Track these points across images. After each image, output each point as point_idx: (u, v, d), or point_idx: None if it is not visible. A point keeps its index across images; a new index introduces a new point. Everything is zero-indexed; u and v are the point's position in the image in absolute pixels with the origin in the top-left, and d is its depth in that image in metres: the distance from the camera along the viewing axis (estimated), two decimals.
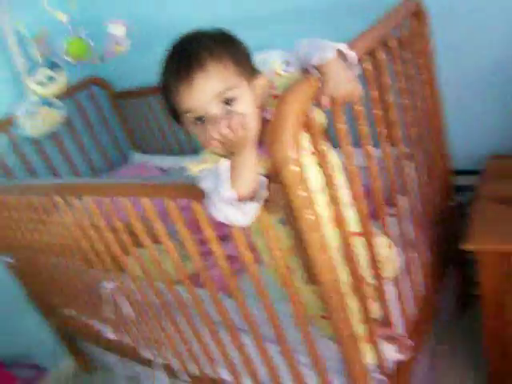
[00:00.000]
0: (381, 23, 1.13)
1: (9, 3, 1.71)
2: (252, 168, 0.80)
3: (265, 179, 0.81)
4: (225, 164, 0.80)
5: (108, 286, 1.49)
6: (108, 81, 2.26)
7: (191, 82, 0.82)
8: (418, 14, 1.31)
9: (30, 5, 1.62)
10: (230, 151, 0.80)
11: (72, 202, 1.27)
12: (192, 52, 0.83)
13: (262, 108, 0.93)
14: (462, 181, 1.62)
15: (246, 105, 0.85)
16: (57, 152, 2.16)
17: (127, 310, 1.50)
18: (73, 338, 2.19)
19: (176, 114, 0.90)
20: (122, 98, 2.27)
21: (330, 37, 0.90)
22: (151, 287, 1.31)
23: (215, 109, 0.83)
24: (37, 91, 1.77)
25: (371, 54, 1.06)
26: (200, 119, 0.85)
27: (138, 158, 2.32)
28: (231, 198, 0.78)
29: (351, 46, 0.91)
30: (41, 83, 1.75)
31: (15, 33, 1.72)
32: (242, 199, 0.79)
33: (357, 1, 1.49)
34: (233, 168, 0.79)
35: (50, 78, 1.74)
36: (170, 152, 2.24)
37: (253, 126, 0.84)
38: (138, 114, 2.25)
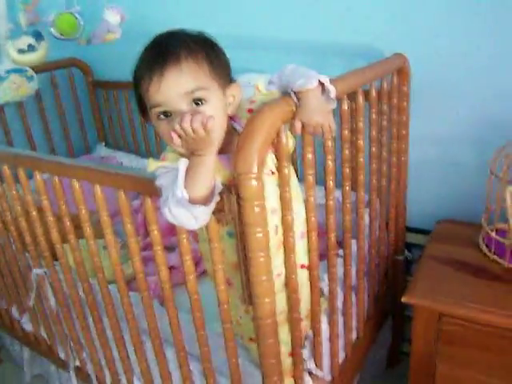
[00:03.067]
0: (366, 71, 1.18)
1: None
2: (209, 172, 0.78)
3: (220, 186, 0.80)
4: (183, 163, 0.78)
5: (37, 271, 1.41)
6: (90, 66, 2.21)
7: (164, 76, 0.82)
8: (402, 71, 1.36)
9: None
10: (190, 151, 0.79)
11: (20, 176, 1.21)
12: (169, 46, 0.84)
13: (234, 118, 0.93)
14: (413, 238, 1.66)
15: (215, 108, 0.85)
16: (18, 124, 2.06)
17: (50, 301, 1.43)
18: None
19: (144, 108, 0.88)
20: (99, 87, 2.21)
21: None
22: (82, 281, 1.25)
23: (183, 105, 0.83)
24: (13, 57, 1.71)
25: (351, 96, 1.09)
26: (166, 114, 0.84)
27: (102, 150, 2.26)
28: (183, 198, 0.76)
29: (334, 82, 0.92)
30: (20, 50, 1.69)
31: None
32: (193, 201, 0.77)
33: (349, 46, 1.54)
34: (190, 168, 0.78)
35: (31, 47, 1.69)
36: (137, 152, 2.20)
37: (217, 130, 0.83)
38: (113, 106, 2.20)
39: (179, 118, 0.77)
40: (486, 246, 1.34)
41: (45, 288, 1.42)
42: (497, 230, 1.30)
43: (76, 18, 1.64)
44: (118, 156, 2.19)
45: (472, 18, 1.35)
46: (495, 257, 1.30)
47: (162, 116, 0.85)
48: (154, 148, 2.13)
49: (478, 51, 1.37)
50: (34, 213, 1.27)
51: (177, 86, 0.82)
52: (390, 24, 1.46)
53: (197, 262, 1.44)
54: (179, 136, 0.77)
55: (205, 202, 0.78)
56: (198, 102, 0.83)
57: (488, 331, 1.15)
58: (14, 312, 1.66)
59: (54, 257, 1.31)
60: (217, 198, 0.79)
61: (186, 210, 0.77)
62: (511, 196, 1.19)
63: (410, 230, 1.64)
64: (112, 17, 1.62)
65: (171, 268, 1.42)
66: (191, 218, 0.78)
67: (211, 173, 0.79)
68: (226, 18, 1.77)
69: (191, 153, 0.79)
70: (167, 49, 0.83)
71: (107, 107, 2.23)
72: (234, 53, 1.57)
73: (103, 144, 2.30)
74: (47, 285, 1.41)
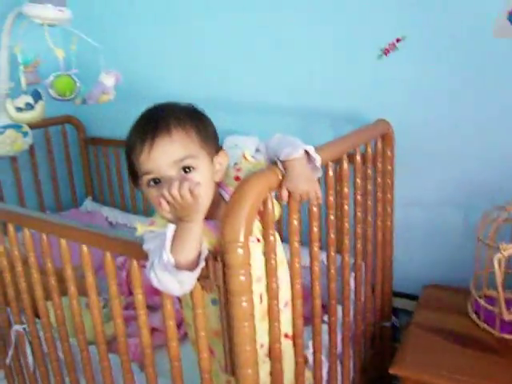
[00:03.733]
0: (351, 137, 1.22)
1: (13, 26, 1.74)
2: (196, 238, 0.79)
3: (206, 251, 0.80)
4: (171, 228, 0.79)
5: (17, 328, 1.37)
6: (83, 124, 2.27)
7: (154, 145, 0.85)
8: (386, 137, 1.42)
9: (33, 34, 1.66)
10: (177, 217, 0.80)
11: (10, 231, 1.21)
12: (160, 117, 0.88)
13: (221, 185, 0.96)
14: (399, 304, 1.65)
15: (203, 176, 0.87)
16: (9, 178, 2.08)
17: (28, 359, 1.38)
18: None
19: (134, 174, 0.91)
20: (91, 144, 2.27)
21: (303, 137, 0.96)
22: (63, 341, 1.22)
23: (172, 173, 0.85)
24: (11, 114, 1.76)
25: (336, 162, 1.12)
26: (156, 181, 0.86)
27: (88, 204, 2.28)
28: (169, 262, 0.77)
29: (319, 150, 0.96)
30: (18, 108, 1.74)
31: (11, 56, 1.73)
32: (179, 266, 0.77)
33: (336, 111, 1.60)
34: (177, 234, 0.79)
35: (29, 106, 1.74)
36: (123, 208, 2.22)
37: (205, 197, 0.85)
38: (102, 162, 2.24)
39: (168, 184, 0.80)
40: (475, 313, 1.33)
41: (23, 345, 1.38)
42: (486, 297, 1.29)
43: (74, 80, 1.70)
44: (103, 211, 2.21)
45: (457, 84, 1.41)
46: (485, 325, 1.28)
47: (151, 183, 0.87)
48: (140, 204, 2.16)
49: (463, 118, 1.42)
50: (20, 268, 1.25)
51: (167, 154, 0.85)
52: (375, 90, 1.53)
53: (179, 324, 1.41)
54: (168, 202, 0.79)
55: (190, 267, 0.78)
56: (186, 169, 0.86)
57: None
58: None
59: (36, 313, 1.28)
60: (202, 264, 0.79)
61: (171, 275, 0.77)
62: (499, 263, 1.18)
63: (396, 294, 1.63)
64: (108, 79, 1.69)
65: (153, 329, 1.39)
66: (176, 283, 0.78)
67: (198, 239, 0.80)
68: (214, 82, 1.84)
69: (179, 219, 0.81)
70: (158, 119, 0.87)
71: (97, 163, 2.28)
72: (222, 115, 1.65)
73: (90, 198, 2.32)
74: (26, 342, 1.38)
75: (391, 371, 1.19)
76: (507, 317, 1.21)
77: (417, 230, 1.60)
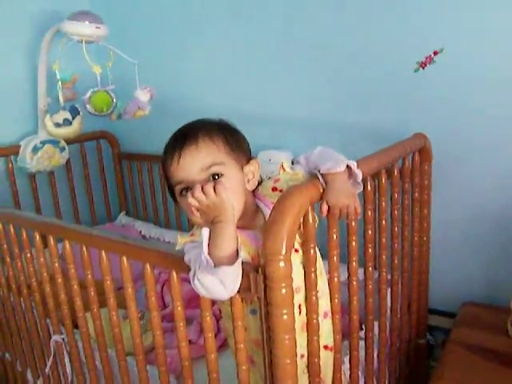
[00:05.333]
0: (389, 151, 1.21)
1: (51, 43, 1.81)
2: (230, 237, 0.80)
3: (243, 254, 0.82)
4: (206, 231, 0.81)
5: (56, 338, 1.40)
6: (118, 139, 2.32)
7: (182, 154, 0.89)
8: (424, 151, 1.39)
9: (71, 51, 1.72)
10: (209, 220, 0.83)
11: (50, 243, 1.24)
12: (189, 131, 0.92)
13: (258, 196, 0.97)
14: (435, 321, 1.61)
15: (232, 181, 0.89)
16: (46, 192, 2.15)
17: (67, 368, 1.41)
18: None
19: (172, 190, 0.93)
20: (125, 159, 2.32)
21: (340, 151, 0.96)
22: (101, 351, 1.24)
23: (200, 179, 0.88)
24: (50, 130, 1.82)
25: (374, 176, 1.12)
26: (187, 190, 0.88)
27: (123, 219, 2.33)
28: (208, 263, 0.78)
29: (359, 165, 0.96)
30: (57, 124, 1.80)
31: (49, 72, 1.79)
32: (218, 265, 0.78)
33: (373, 125, 1.60)
34: (212, 236, 0.81)
35: (67, 121, 1.80)
36: (156, 222, 2.26)
37: (235, 202, 0.87)
38: (136, 177, 2.28)
39: (193, 189, 0.83)
40: None
41: (62, 355, 1.41)
42: None
43: (110, 96, 1.74)
44: (137, 225, 2.25)
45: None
46: None
47: (183, 192, 0.89)
48: (173, 219, 2.18)
49: (500, 132, 1.40)
50: (60, 280, 1.28)
51: (193, 161, 0.88)
52: (413, 104, 1.52)
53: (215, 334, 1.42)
54: (197, 209, 0.83)
55: (229, 263, 0.79)
56: (215, 176, 0.89)
57: None
58: (29, 376, 1.64)
59: (74, 324, 1.31)
60: (240, 260, 0.79)
61: (213, 275, 0.78)
62: None
63: (431, 311, 1.60)
64: (143, 95, 1.73)
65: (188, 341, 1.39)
66: (218, 283, 0.78)
67: (232, 238, 0.81)
68: (250, 97, 1.86)
69: (211, 222, 0.83)
70: (187, 132, 0.92)
71: (131, 178, 2.32)
72: (257, 130, 1.67)
73: (124, 213, 2.37)
74: (65, 352, 1.40)
75: None
76: None
77: (454, 245, 1.56)
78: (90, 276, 1.17)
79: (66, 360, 1.40)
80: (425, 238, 1.48)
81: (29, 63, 2.01)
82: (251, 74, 1.84)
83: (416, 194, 1.40)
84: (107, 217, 2.35)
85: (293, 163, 1.02)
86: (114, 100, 1.75)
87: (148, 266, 1.01)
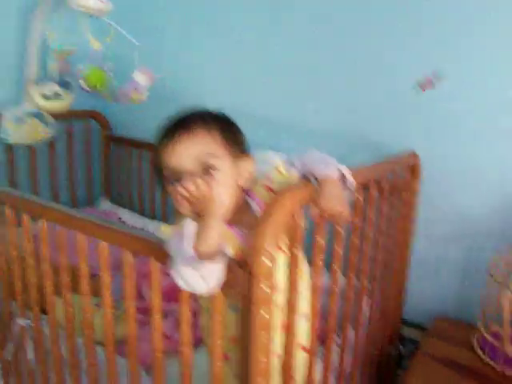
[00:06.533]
0: (381, 165, 1.23)
1: (50, 14, 1.70)
2: (216, 233, 0.79)
3: (229, 250, 0.80)
4: (191, 224, 0.79)
5: (20, 322, 1.35)
6: (109, 121, 2.25)
7: (176, 142, 0.87)
8: (414, 168, 1.41)
9: (69, 23, 1.63)
10: (196, 212, 0.81)
11: (25, 221, 1.19)
12: (186, 118, 0.91)
13: (249, 193, 0.96)
14: (407, 332, 1.63)
15: (225, 176, 0.88)
16: (25, 167, 2.05)
17: (30, 355, 1.36)
18: None
19: (161, 176, 0.91)
20: (115, 143, 2.24)
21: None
22: (68, 338, 1.20)
23: (192, 168, 0.86)
24: (37, 101, 1.71)
25: (364, 187, 1.11)
26: (178, 180, 0.86)
27: (105, 205, 2.26)
28: (190, 256, 0.76)
29: (352, 173, 0.96)
30: (45, 96, 1.70)
31: (43, 41, 1.68)
32: (201, 259, 0.76)
33: (367, 139, 1.61)
34: (198, 229, 0.79)
35: (57, 95, 1.71)
36: (141, 211, 2.20)
37: (226, 197, 0.86)
38: (124, 163, 2.22)
39: (184, 179, 0.82)
40: (481, 348, 1.34)
41: (24, 341, 1.36)
42: (492, 332, 1.30)
43: (106, 74, 1.66)
44: (119, 212, 2.18)
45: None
46: (489, 360, 1.29)
47: (173, 181, 0.87)
48: (158, 210, 2.13)
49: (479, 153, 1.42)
50: (32, 261, 1.24)
51: (187, 149, 0.87)
52: (403, 121, 1.53)
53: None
54: (186, 199, 0.81)
55: (212, 259, 0.77)
56: (208, 168, 0.87)
57: None
58: None
59: (42, 310, 1.26)
60: (224, 259, 0.78)
61: (194, 270, 0.76)
62: (509, 302, 1.19)
63: (405, 322, 1.62)
64: (141, 78, 1.66)
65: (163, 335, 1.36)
66: (199, 277, 0.76)
67: (218, 234, 0.79)
68: (253, 96, 1.84)
69: (198, 215, 0.81)
70: (184, 119, 0.90)
71: (118, 163, 2.25)
72: (254, 129, 1.64)
73: (107, 199, 2.30)
74: (28, 338, 1.35)
75: None
76: (511, 354, 1.22)
77: (431, 262, 1.58)
78: (64, 259, 1.13)
79: (29, 346, 1.35)
80: (406, 253, 1.50)
81: (21, 30, 1.87)
82: (255, 73, 1.82)
83: (402, 209, 1.41)
84: (88, 201, 2.27)
85: (288, 164, 1.01)
86: (111, 78, 1.67)
87: (128, 253, 0.98)
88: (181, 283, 0.79)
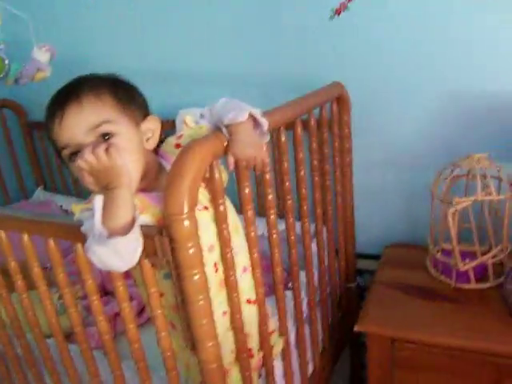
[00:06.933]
0: (303, 100, 1.17)
1: None
2: (125, 204, 0.74)
3: (142, 219, 0.77)
4: (99, 199, 0.75)
5: None
6: (23, 107, 2.11)
7: (64, 114, 0.80)
8: (341, 99, 1.38)
9: None
10: (102, 186, 0.76)
11: None
12: (72, 87, 0.84)
13: (161, 154, 0.91)
14: (363, 264, 1.66)
15: (126, 141, 0.82)
16: None
17: None
18: None
19: (61, 155, 0.85)
20: (35, 129, 2.11)
21: (261, 104, 0.91)
22: (19, 337, 1.15)
23: (89, 141, 0.80)
24: None
25: (289, 127, 1.08)
26: (76, 154, 0.80)
27: (41, 195, 2.15)
28: (101, 234, 0.72)
29: (270, 115, 0.92)
30: None
31: None
32: (112, 235, 0.72)
33: (289, 77, 1.56)
34: (105, 204, 0.74)
35: None
36: (78, 195, 2.10)
37: (133, 163, 0.81)
38: (50, 148, 2.11)
39: (81, 151, 0.75)
40: (434, 267, 1.36)
41: None
42: (443, 251, 1.32)
43: (1, 57, 1.54)
44: (57, 199, 2.08)
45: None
46: (442, 277, 1.32)
47: (72, 157, 0.81)
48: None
49: (415, 79, 1.41)
50: None
51: (78, 121, 0.80)
52: (329, 52, 1.49)
53: (143, 308, 1.37)
54: (88, 172, 0.76)
55: (125, 233, 0.73)
56: (105, 136, 0.81)
57: (438, 352, 1.15)
58: None
59: None
60: (137, 230, 0.74)
61: (106, 247, 0.72)
62: (453, 217, 1.21)
63: (360, 256, 1.64)
64: (42, 55, 1.55)
65: (116, 315, 1.34)
66: (113, 255, 0.72)
67: (128, 205, 0.75)
68: (158, 53, 1.73)
69: (104, 188, 0.76)
70: (69, 89, 0.83)
71: (44, 149, 2.12)
72: (174, 88, 1.57)
73: (42, 188, 2.19)
74: None
75: (356, 328, 1.21)
76: (462, 268, 1.24)
77: (376, 191, 1.59)
78: None
79: None
80: (348, 187, 1.49)
81: None
82: (161, 29, 1.71)
83: (336, 144, 1.39)
84: (22, 193, 2.17)
85: (199, 117, 0.96)
86: (6, 62, 1.53)
87: (52, 241, 0.93)
88: (99, 264, 0.75)
